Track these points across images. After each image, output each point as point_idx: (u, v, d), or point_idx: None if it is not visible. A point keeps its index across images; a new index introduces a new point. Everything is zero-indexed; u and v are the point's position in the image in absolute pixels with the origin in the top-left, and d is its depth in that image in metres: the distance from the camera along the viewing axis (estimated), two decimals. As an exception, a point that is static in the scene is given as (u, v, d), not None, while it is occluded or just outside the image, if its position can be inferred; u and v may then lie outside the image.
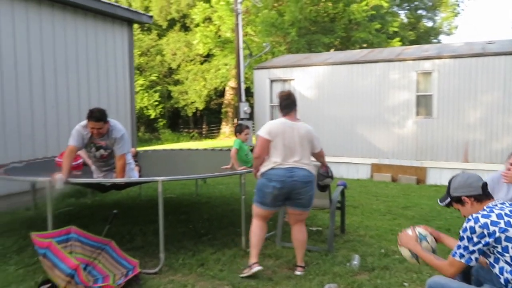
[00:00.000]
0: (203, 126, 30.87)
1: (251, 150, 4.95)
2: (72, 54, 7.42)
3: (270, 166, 3.65)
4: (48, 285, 3.43)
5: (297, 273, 3.79)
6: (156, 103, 27.12)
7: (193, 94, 27.05)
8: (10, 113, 6.42)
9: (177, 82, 28.41)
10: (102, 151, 4.35)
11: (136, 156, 6.32)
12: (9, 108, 6.42)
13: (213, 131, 29.64)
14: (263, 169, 3.70)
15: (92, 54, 7.80)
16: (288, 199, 3.73)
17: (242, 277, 3.66)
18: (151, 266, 3.97)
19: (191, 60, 28.18)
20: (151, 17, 9.49)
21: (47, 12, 6.96)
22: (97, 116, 4.04)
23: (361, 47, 19.74)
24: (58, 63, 7.18)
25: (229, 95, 27.96)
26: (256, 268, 3.67)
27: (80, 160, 5.08)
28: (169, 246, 4.34)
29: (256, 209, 3.82)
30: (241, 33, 12.76)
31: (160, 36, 28.79)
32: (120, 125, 4.36)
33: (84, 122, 4.18)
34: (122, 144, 4.28)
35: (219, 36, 23.64)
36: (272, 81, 11.08)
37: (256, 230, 3.80)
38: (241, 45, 12.69)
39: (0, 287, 3.52)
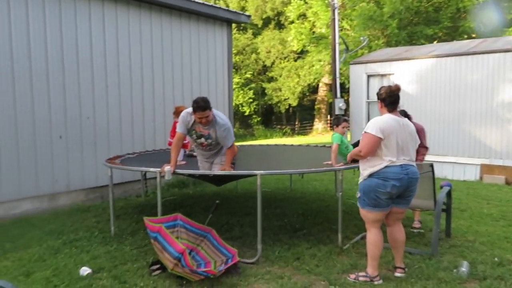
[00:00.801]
0: (296, 123, 30.95)
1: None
2: (177, 54, 7.97)
3: (384, 164, 3.42)
4: (158, 265, 3.76)
5: (398, 274, 3.61)
6: (251, 100, 27.94)
7: (286, 91, 27.30)
8: (125, 110, 7.13)
9: (271, 79, 28.91)
10: (202, 140, 4.47)
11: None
12: (125, 107, 7.12)
13: (305, 128, 29.57)
14: (373, 168, 3.46)
15: (195, 54, 8.29)
16: (398, 197, 3.52)
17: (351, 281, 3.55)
18: (248, 256, 4.10)
19: (285, 57, 28.44)
20: (249, 16, 9.77)
21: (156, 16, 7.56)
22: (203, 105, 4.16)
23: (470, 38, 18.04)
24: (165, 63, 7.77)
25: (322, 91, 27.64)
26: (379, 282, 3.50)
27: (187, 140, 5.28)
28: (265, 239, 4.45)
29: (369, 214, 3.53)
30: (337, 28, 12.50)
31: (255, 34, 29.53)
32: (224, 117, 4.45)
33: (190, 109, 4.33)
34: (228, 137, 4.37)
35: (314, 32, 23.45)
36: (369, 76, 10.66)
37: (378, 239, 3.53)
38: (337, 40, 12.43)
39: (118, 264, 3.93)
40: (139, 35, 7.33)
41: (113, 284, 3.50)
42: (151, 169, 4.39)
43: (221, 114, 4.45)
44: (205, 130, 4.41)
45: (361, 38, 15.75)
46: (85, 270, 3.74)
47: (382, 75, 10.48)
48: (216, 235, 4.04)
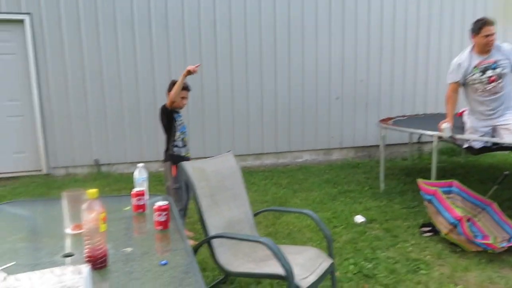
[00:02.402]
0: None
1: None
2: (448, 9, 7.30)
3: None
4: (429, 228, 3.78)
5: None
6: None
7: None
8: (397, 73, 7.16)
9: None
10: (489, 73, 3.92)
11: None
12: (397, 70, 7.15)
13: None
14: None
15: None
16: None
17: None
18: (538, 239, 3.57)
19: None
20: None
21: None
22: (491, 20, 3.76)
23: None
24: (444, 20, 7.26)
25: None
26: None
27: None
28: None
29: None
30: None
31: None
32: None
33: (463, 51, 3.99)
34: None
35: None
36: None
37: None
38: None
39: (389, 219, 4.17)
40: (417, -6, 7.08)
41: (385, 236, 3.76)
42: (428, 132, 4.31)
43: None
44: (489, 60, 3.90)
45: None
46: (359, 218, 4.15)
47: None
48: (497, 209, 3.70)
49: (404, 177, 5.82)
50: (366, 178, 5.83)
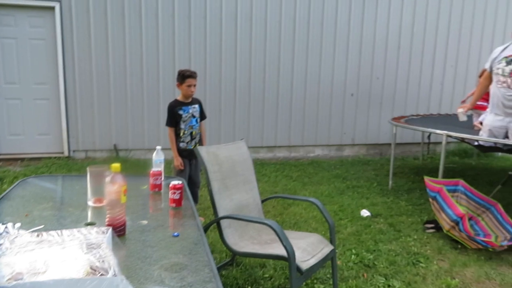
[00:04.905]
0: None
1: None
2: (480, 17, 7.27)
3: None
4: (433, 225, 3.88)
5: None
6: None
7: None
8: (413, 72, 7.19)
9: None
10: None
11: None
12: (414, 68, 7.18)
13: None
14: None
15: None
16: None
17: None
18: (540, 241, 3.64)
19: None
20: None
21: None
22: None
23: None
24: (464, 24, 7.25)
25: None
26: None
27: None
28: None
29: None
30: None
31: None
32: None
33: (501, 47, 3.84)
34: None
35: None
36: None
37: None
38: None
39: (394, 215, 4.28)
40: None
41: (388, 230, 3.88)
42: (437, 131, 4.39)
43: None
44: None
45: None
46: (365, 212, 4.27)
47: None
48: (501, 209, 3.77)
49: (413, 176, 5.89)
50: (375, 175, 5.93)
